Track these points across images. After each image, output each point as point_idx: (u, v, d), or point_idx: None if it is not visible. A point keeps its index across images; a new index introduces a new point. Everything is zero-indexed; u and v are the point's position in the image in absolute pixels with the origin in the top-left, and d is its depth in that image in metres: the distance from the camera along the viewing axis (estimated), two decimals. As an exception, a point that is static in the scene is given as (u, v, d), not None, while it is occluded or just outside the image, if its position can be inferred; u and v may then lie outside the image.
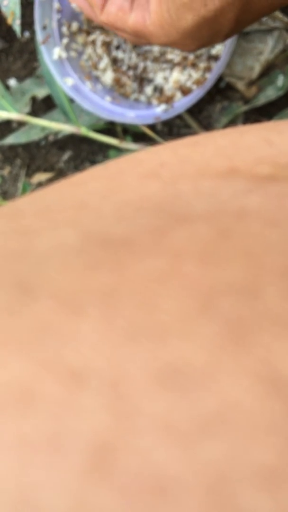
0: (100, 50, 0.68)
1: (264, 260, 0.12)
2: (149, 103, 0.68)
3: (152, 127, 0.68)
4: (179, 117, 0.69)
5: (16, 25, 0.61)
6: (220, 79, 0.67)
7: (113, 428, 0.09)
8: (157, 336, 0.11)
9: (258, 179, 0.15)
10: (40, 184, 0.73)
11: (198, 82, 0.64)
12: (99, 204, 0.15)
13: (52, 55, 0.65)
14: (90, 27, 0.68)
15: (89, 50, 0.68)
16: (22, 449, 0.09)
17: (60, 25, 0.66)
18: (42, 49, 0.64)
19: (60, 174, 0.73)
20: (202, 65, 0.65)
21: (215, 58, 0.64)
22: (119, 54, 0.68)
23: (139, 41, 0.45)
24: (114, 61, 0.69)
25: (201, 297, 0.11)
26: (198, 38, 0.40)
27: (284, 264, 0.12)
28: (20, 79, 0.73)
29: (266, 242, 0.13)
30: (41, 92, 0.72)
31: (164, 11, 0.39)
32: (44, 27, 0.64)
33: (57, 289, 0.12)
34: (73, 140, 0.73)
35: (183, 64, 0.66)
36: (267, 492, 0.09)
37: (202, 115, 0.68)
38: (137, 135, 0.70)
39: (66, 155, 0.73)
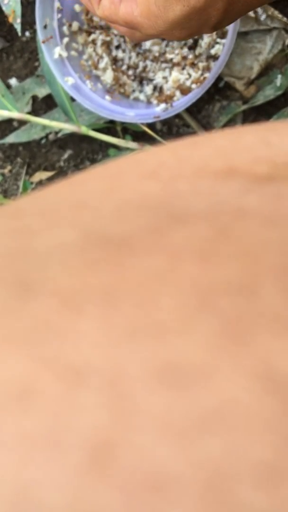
0: (100, 49, 0.68)
1: (262, 259, 0.12)
2: (148, 102, 0.68)
3: (151, 126, 0.68)
4: (178, 116, 0.69)
5: (17, 24, 0.61)
6: (219, 78, 0.67)
7: (112, 425, 0.10)
8: (156, 334, 0.11)
9: (256, 179, 0.16)
10: (40, 183, 0.73)
11: (198, 82, 0.64)
12: (99, 204, 0.15)
13: (52, 54, 0.65)
14: (90, 26, 0.68)
15: (89, 49, 0.68)
16: (21, 446, 0.09)
17: (60, 24, 0.66)
18: (43, 49, 0.64)
19: (60, 172, 0.73)
20: (201, 64, 0.65)
21: (214, 57, 0.64)
22: (119, 54, 0.68)
23: (133, 35, 0.45)
24: (114, 61, 0.69)
25: (199, 295, 0.11)
26: (186, 28, 0.40)
27: (282, 263, 0.12)
28: (21, 78, 0.73)
29: (265, 241, 0.13)
30: (41, 91, 0.72)
31: (151, 2, 0.39)
32: (44, 27, 0.64)
33: (57, 287, 0.12)
34: (73, 139, 0.73)
35: (182, 64, 0.66)
36: (265, 488, 0.09)
37: (201, 114, 0.68)
38: (137, 134, 0.70)
39: (67, 154, 0.73)
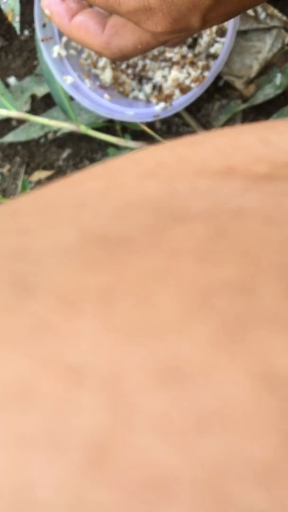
0: (99, 48, 0.68)
1: (261, 259, 0.12)
2: (148, 101, 0.68)
3: (150, 125, 0.68)
4: (177, 115, 0.69)
5: (16, 23, 0.61)
6: (218, 77, 0.67)
7: (111, 425, 0.10)
8: (154, 334, 0.11)
9: (255, 178, 0.16)
10: (39, 182, 0.73)
11: (197, 81, 0.64)
12: (98, 203, 0.15)
13: (51, 53, 0.65)
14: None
15: (88, 48, 0.68)
16: (20, 446, 0.09)
17: (59, 23, 0.66)
18: (42, 47, 0.64)
19: (59, 172, 0.73)
20: (200, 63, 0.65)
21: (214, 56, 0.64)
22: (118, 52, 0.68)
23: (109, 47, 0.43)
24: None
25: (198, 295, 0.11)
26: (174, 10, 0.37)
27: (281, 262, 0.12)
28: (19, 77, 0.73)
29: (263, 241, 0.13)
30: (40, 90, 0.72)
31: None
32: (43, 25, 0.64)
33: (55, 287, 0.12)
34: (72, 138, 0.73)
35: (181, 63, 0.66)
36: (263, 488, 0.09)
37: (200, 113, 0.68)
38: (136, 133, 0.70)
39: (66, 153, 0.73)
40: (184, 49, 0.66)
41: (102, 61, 0.68)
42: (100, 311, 0.11)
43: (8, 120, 0.74)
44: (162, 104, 0.65)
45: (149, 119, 0.64)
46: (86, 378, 0.10)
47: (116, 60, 0.45)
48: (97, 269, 0.12)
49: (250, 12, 0.63)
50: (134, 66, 0.68)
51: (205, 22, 0.38)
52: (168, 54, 0.66)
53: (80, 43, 0.45)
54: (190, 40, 0.66)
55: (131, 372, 0.10)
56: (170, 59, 0.66)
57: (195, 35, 0.65)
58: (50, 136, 0.73)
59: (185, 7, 0.36)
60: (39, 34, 0.64)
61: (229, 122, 0.67)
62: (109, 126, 0.70)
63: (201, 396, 0.10)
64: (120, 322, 0.11)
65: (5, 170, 0.75)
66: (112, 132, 0.69)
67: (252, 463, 0.09)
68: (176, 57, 0.66)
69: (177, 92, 0.65)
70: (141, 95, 0.68)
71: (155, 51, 0.67)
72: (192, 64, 0.65)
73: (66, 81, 0.65)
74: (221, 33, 0.64)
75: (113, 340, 0.11)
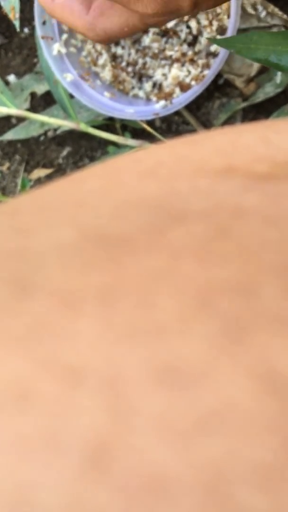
0: (99, 46, 0.68)
1: (262, 258, 0.12)
2: (148, 100, 0.68)
3: (150, 123, 0.68)
4: (177, 113, 0.69)
5: (15, 20, 0.61)
6: (218, 76, 0.67)
7: (110, 426, 0.10)
8: (154, 334, 0.11)
9: (255, 177, 0.16)
10: (39, 180, 0.73)
11: (197, 79, 0.64)
12: (98, 203, 0.15)
13: (51, 50, 0.65)
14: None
15: (88, 46, 0.68)
16: (19, 447, 0.09)
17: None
18: (42, 45, 0.64)
19: (59, 170, 0.73)
20: (201, 61, 0.64)
21: (214, 54, 0.64)
22: (118, 50, 0.68)
23: (94, 28, 0.42)
24: (113, 57, 0.69)
25: (198, 295, 0.11)
26: None
27: (281, 262, 0.12)
28: (19, 74, 0.73)
29: (264, 240, 0.13)
30: (40, 88, 0.72)
31: None
32: (43, 23, 0.64)
33: (55, 287, 0.12)
34: (72, 136, 0.73)
35: (182, 61, 0.66)
36: (264, 490, 0.09)
37: (200, 111, 0.68)
38: (136, 131, 0.70)
39: (65, 151, 0.73)
40: (184, 47, 0.66)
41: (102, 59, 0.68)
42: (100, 312, 0.11)
43: (7, 118, 0.74)
44: (162, 102, 0.65)
45: (149, 117, 0.64)
46: (86, 379, 0.10)
47: (101, 42, 0.43)
48: (97, 269, 0.12)
49: (251, 10, 0.63)
50: (134, 64, 0.68)
51: (196, 5, 0.37)
52: (168, 52, 0.66)
53: (64, 24, 0.44)
54: (190, 38, 0.66)
55: (131, 373, 0.10)
56: (170, 57, 0.66)
57: (195, 33, 0.65)
58: (50, 134, 0.73)
59: None
60: (39, 31, 0.64)
61: (229, 120, 0.67)
62: (109, 124, 0.70)
63: (201, 397, 0.10)
64: (120, 323, 0.11)
65: (4, 168, 0.75)
66: (112, 130, 0.69)
67: (252, 465, 0.09)
68: (176, 55, 0.66)
69: (177, 90, 0.65)
70: (141, 93, 0.68)
71: (155, 49, 0.67)
72: (192, 62, 0.65)
73: (66, 78, 0.65)
74: (222, 31, 0.64)
75: (112, 341, 0.11)
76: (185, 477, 0.09)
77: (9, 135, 0.73)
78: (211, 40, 0.47)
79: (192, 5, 0.37)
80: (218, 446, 0.09)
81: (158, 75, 0.67)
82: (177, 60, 0.66)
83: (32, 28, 0.72)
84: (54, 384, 0.10)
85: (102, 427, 0.10)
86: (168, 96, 0.66)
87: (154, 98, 0.67)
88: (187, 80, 0.65)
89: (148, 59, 0.68)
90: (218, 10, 0.63)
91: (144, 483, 0.09)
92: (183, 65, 0.66)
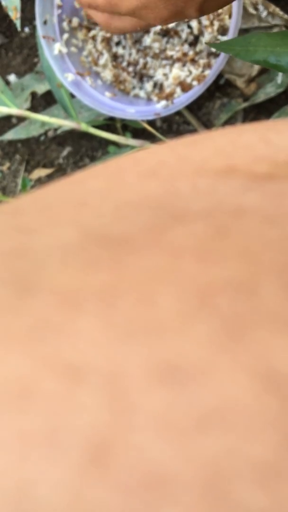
0: (100, 46, 0.68)
1: (262, 258, 0.12)
2: (149, 99, 0.68)
3: (151, 123, 0.68)
4: (178, 113, 0.69)
5: (16, 19, 0.61)
6: (219, 76, 0.67)
7: (110, 424, 0.10)
8: (155, 333, 0.11)
9: (256, 177, 0.16)
10: (39, 180, 0.73)
11: (198, 79, 0.64)
12: (99, 203, 0.15)
13: (52, 50, 0.65)
14: (90, 22, 0.68)
15: (89, 45, 0.68)
16: (20, 444, 0.09)
17: (60, 20, 0.66)
18: (43, 45, 0.64)
19: (59, 170, 0.73)
20: (202, 61, 0.64)
21: (215, 54, 0.64)
22: (119, 50, 0.68)
23: (110, 23, 0.45)
24: (114, 57, 0.69)
25: (198, 294, 0.11)
26: (171, 5, 0.39)
27: (281, 261, 0.12)
28: (20, 74, 0.73)
29: (264, 240, 0.13)
30: (41, 88, 0.72)
31: None
32: (44, 22, 0.64)
33: (56, 286, 0.12)
34: (73, 136, 0.73)
35: (183, 61, 0.66)
36: (263, 488, 0.09)
37: (201, 111, 0.68)
38: (137, 131, 0.70)
39: (66, 151, 0.73)
40: (186, 47, 0.66)
41: (103, 59, 0.68)
42: (101, 310, 0.11)
43: (8, 118, 0.74)
44: (163, 102, 0.65)
45: (150, 117, 0.64)
46: (87, 377, 0.10)
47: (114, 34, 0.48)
48: (98, 269, 0.12)
49: (252, 10, 0.63)
50: (135, 64, 0.68)
51: (202, 12, 0.41)
52: (169, 52, 0.66)
53: (88, 14, 0.48)
54: (191, 38, 0.66)
55: (132, 371, 0.10)
56: (171, 57, 0.66)
57: (197, 33, 0.65)
58: (50, 133, 0.73)
59: (181, 1, 0.39)
60: (40, 31, 0.64)
61: (230, 120, 0.67)
62: (109, 124, 0.70)
63: (201, 395, 0.10)
64: (121, 321, 0.11)
65: (5, 167, 0.75)
66: (113, 130, 0.69)
67: (252, 462, 0.09)
68: (177, 55, 0.66)
69: (178, 90, 0.65)
70: (142, 93, 0.68)
71: (156, 49, 0.67)
72: (194, 62, 0.65)
73: (67, 78, 0.65)
74: (223, 31, 0.64)
75: (113, 339, 0.11)
76: (184, 474, 0.09)
77: (10, 135, 0.73)
78: (210, 45, 0.48)
79: (198, 13, 0.40)
80: (217, 443, 0.09)
81: (159, 75, 0.67)
82: (178, 60, 0.66)
83: (33, 28, 0.72)
84: (55, 382, 0.10)
85: (102, 424, 0.10)
86: (169, 96, 0.66)
87: (155, 98, 0.67)
88: (188, 80, 0.65)
89: (149, 59, 0.68)
90: (220, 10, 0.63)
91: (144, 480, 0.09)
92: (184, 65, 0.66)
